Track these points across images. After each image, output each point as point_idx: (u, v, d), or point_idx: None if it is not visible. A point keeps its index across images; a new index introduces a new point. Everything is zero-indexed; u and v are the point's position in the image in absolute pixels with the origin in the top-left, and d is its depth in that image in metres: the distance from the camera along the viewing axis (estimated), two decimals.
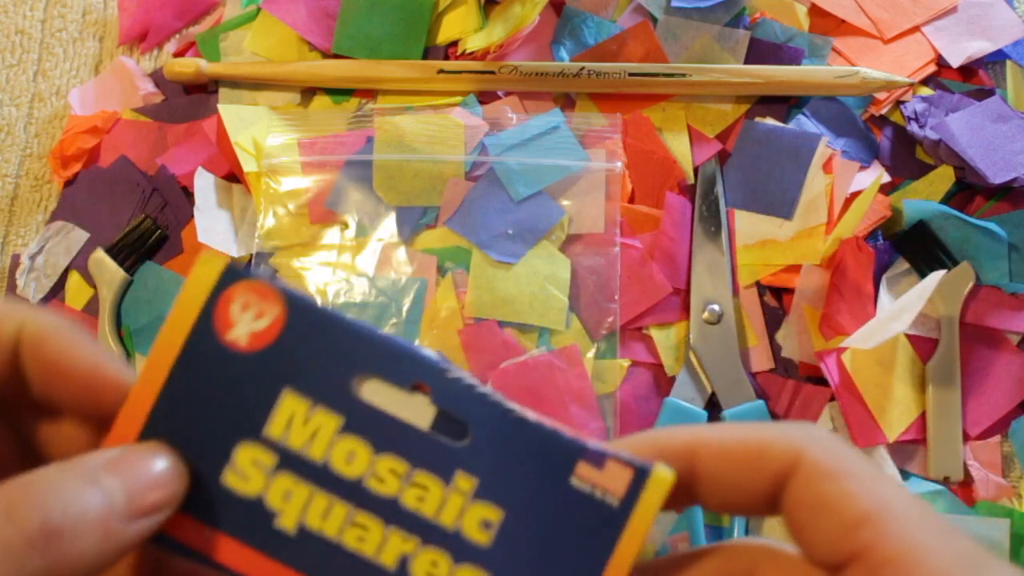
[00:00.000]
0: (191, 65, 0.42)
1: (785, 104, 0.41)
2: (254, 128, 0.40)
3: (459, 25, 0.42)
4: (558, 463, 0.24)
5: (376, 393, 0.24)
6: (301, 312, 0.24)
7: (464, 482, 0.24)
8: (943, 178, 0.40)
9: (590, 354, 0.37)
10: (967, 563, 0.19)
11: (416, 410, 0.24)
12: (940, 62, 0.42)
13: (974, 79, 0.42)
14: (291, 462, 0.24)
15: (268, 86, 0.43)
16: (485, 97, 0.42)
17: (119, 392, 0.23)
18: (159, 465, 0.23)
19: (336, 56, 0.43)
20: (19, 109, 0.45)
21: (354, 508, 0.24)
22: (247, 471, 0.24)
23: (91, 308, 0.40)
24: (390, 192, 0.40)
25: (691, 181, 0.41)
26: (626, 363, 0.38)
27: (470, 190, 0.40)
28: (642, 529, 0.23)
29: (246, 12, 0.44)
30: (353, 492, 0.24)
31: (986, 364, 0.38)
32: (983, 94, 0.41)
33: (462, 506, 0.24)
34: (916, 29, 0.43)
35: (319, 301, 0.24)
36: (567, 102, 0.42)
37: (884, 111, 0.41)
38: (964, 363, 0.37)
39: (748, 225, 0.40)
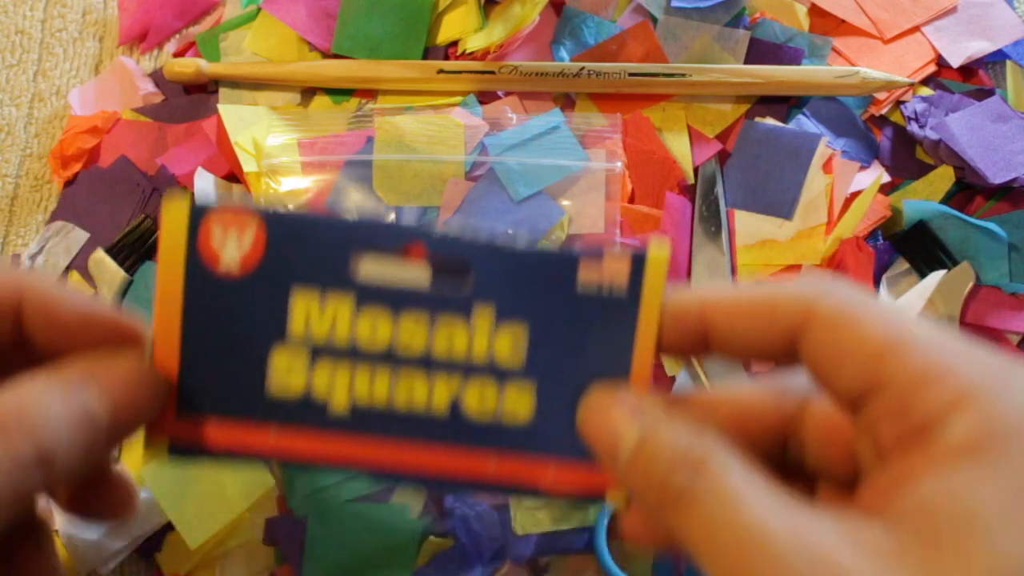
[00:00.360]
0: (191, 65, 0.42)
1: (785, 104, 0.41)
2: (254, 128, 0.40)
3: (459, 25, 0.43)
4: (561, 274, 0.25)
5: (374, 269, 0.26)
6: (277, 223, 0.25)
7: (483, 318, 0.25)
8: (943, 178, 0.40)
9: None
10: (992, 371, 0.19)
11: (414, 272, 0.25)
12: (940, 62, 0.42)
13: (974, 79, 0.42)
14: (322, 351, 0.25)
15: (268, 86, 0.43)
16: (485, 97, 0.42)
17: (118, 335, 0.24)
18: (138, 382, 0.24)
19: (336, 56, 0.43)
20: (19, 109, 0.45)
21: (394, 373, 0.25)
22: (287, 372, 0.25)
23: None
24: (390, 192, 0.40)
25: (691, 181, 0.41)
26: None
27: (470, 190, 0.40)
28: (655, 310, 0.24)
29: (246, 12, 0.44)
30: (388, 359, 0.25)
31: None
32: (983, 94, 0.41)
33: (488, 338, 0.25)
34: (916, 29, 0.43)
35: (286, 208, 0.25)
36: (567, 102, 0.42)
37: (884, 111, 0.41)
38: None
39: (748, 225, 0.40)
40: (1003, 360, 0.20)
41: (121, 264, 0.40)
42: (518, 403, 0.25)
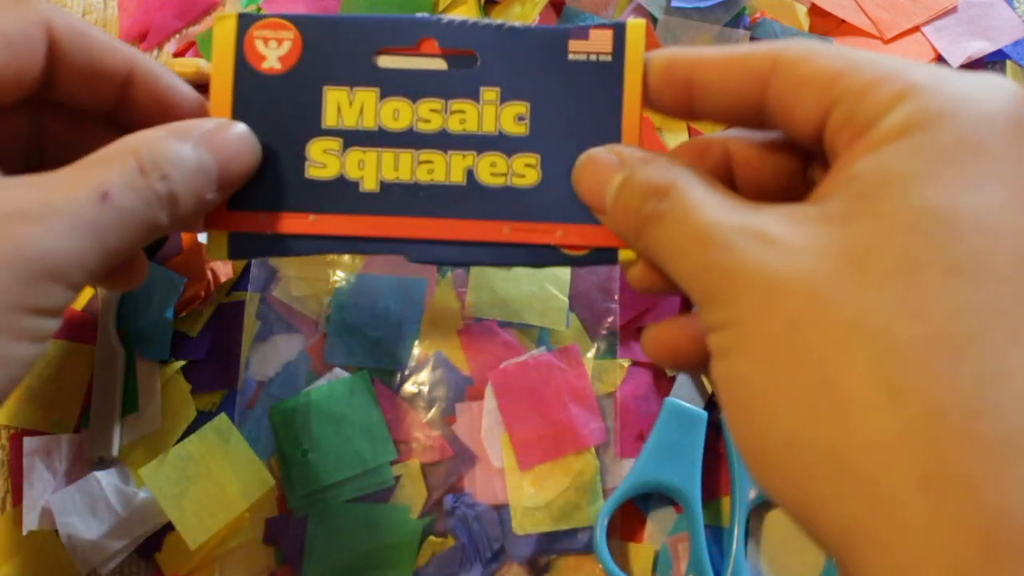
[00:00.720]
0: (191, 65, 0.42)
1: None
2: None
3: None
4: (554, 48, 0.29)
5: (393, 61, 0.30)
6: (311, 27, 0.30)
7: (489, 93, 0.29)
8: None
9: (590, 354, 0.37)
10: (936, 72, 0.21)
11: (429, 61, 0.30)
12: (940, 62, 0.42)
13: None
14: (353, 138, 0.29)
15: None
16: None
17: (169, 97, 0.29)
18: (245, 138, 0.28)
19: None
20: None
21: (416, 151, 0.29)
22: (323, 159, 0.29)
23: (91, 308, 0.40)
24: None
25: None
26: (626, 363, 0.38)
27: None
28: (638, 67, 0.28)
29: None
30: (410, 139, 0.30)
31: None
32: None
33: (496, 113, 0.29)
34: (916, 29, 0.43)
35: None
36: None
37: None
38: None
39: None
40: (949, 69, 0.21)
41: None
42: (526, 171, 0.29)
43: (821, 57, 0.22)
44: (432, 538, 0.34)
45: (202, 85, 0.44)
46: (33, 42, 0.26)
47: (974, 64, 0.42)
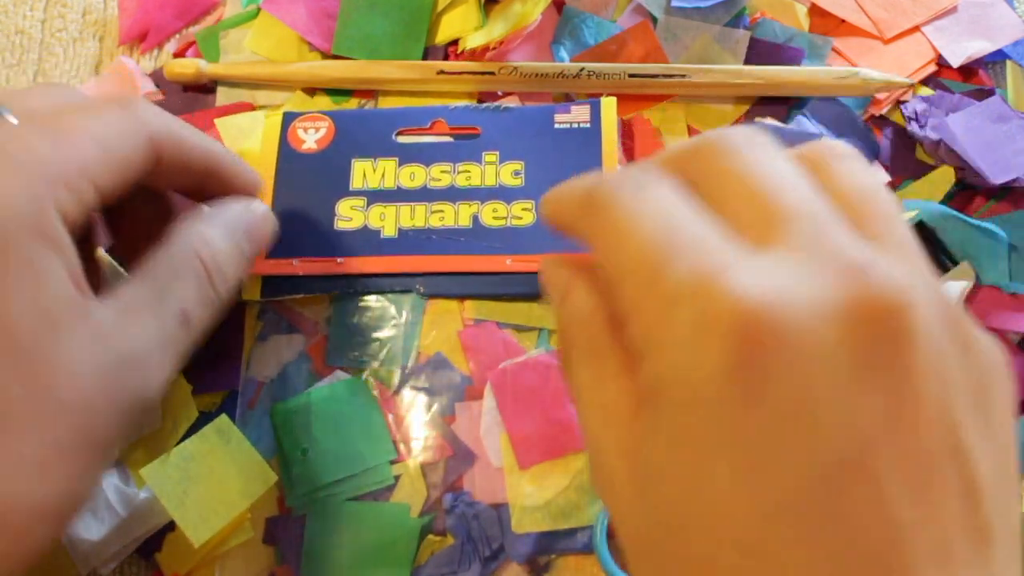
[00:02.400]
0: (191, 66, 0.42)
1: (785, 105, 0.41)
2: (252, 136, 0.40)
3: (459, 24, 0.42)
4: (543, 120, 0.37)
5: (409, 139, 0.37)
6: (343, 118, 0.38)
7: (490, 156, 0.36)
8: (943, 178, 0.40)
9: None
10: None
11: (439, 139, 0.37)
12: (940, 62, 0.42)
13: (974, 79, 0.42)
14: (375, 196, 0.36)
15: (267, 85, 0.43)
16: (485, 97, 0.42)
17: (242, 185, 0.32)
18: (272, 219, 0.32)
19: (336, 57, 0.43)
20: None
21: (429, 204, 0.36)
22: (350, 214, 0.36)
23: None
24: None
25: None
26: None
27: None
28: (612, 131, 0.37)
29: (246, 11, 0.44)
30: (423, 195, 0.36)
31: None
32: (983, 94, 0.41)
33: (496, 170, 0.36)
34: (916, 29, 0.43)
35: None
36: (568, 102, 0.42)
37: (884, 111, 0.41)
38: None
39: None
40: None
41: (121, 264, 0.40)
42: (523, 213, 0.35)
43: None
44: (431, 536, 0.34)
45: (201, 86, 0.44)
46: (137, 153, 0.27)
47: (974, 64, 0.42)
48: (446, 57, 0.43)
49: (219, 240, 0.29)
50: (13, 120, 0.25)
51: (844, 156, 0.22)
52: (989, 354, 0.20)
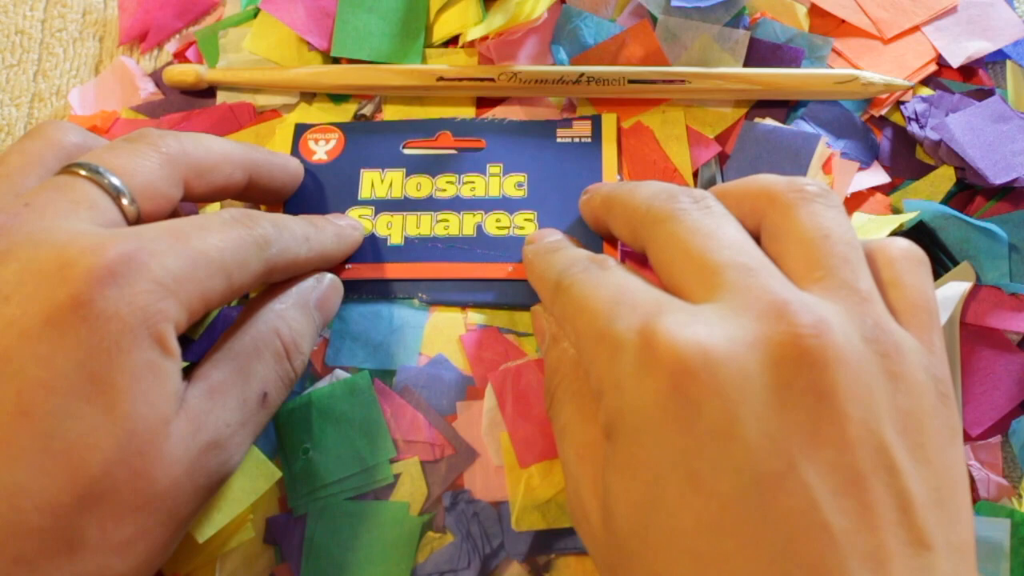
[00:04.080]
0: (191, 73, 0.42)
1: (785, 107, 0.41)
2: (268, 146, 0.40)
3: (458, 21, 0.42)
4: (545, 135, 0.38)
5: (416, 151, 0.39)
6: (351, 130, 0.39)
7: (494, 168, 0.37)
8: (943, 178, 0.40)
9: None
10: None
11: (445, 150, 0.38)
12: (940, 62, 0.42)
13: (974, 79, 0.42)
14: (383, 206, 0.37)
15: (267, 89, 0.43)
16: (484, 103, 0.42)
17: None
18: (341, 288, 0.34)
19: (335, 60, 0.43)
20: (19, 109, 0.45)
21: (434, 213, 0.37)
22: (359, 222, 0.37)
23: None
24: None
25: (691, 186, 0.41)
26: None
27: None
28: (612, 146, 0.38)
29: (245, 11, 0.45)
30: (429, 205, 0.37)
31: (986, 364, 0.38)
32: (983, 94, 0.41)
33: (500, 182, 0.37)
34: (916, 29, 0.43)
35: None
36: (567, 106, 0.42)
37: (884, 111, 0.41)
38: (964, 363, 0.37)
39: None
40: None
41: None
42: (525, 223, 0.36)
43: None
44: (431, 534, 0.34)
45: (201, 90, 0.44)
46: (248, 279, 0.28)
47: (974, 64, 0.42)
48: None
49: (296, 318, 0.30)
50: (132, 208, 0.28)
51: (811, 198, 0.25)
52: (921, 388, 0.22)
